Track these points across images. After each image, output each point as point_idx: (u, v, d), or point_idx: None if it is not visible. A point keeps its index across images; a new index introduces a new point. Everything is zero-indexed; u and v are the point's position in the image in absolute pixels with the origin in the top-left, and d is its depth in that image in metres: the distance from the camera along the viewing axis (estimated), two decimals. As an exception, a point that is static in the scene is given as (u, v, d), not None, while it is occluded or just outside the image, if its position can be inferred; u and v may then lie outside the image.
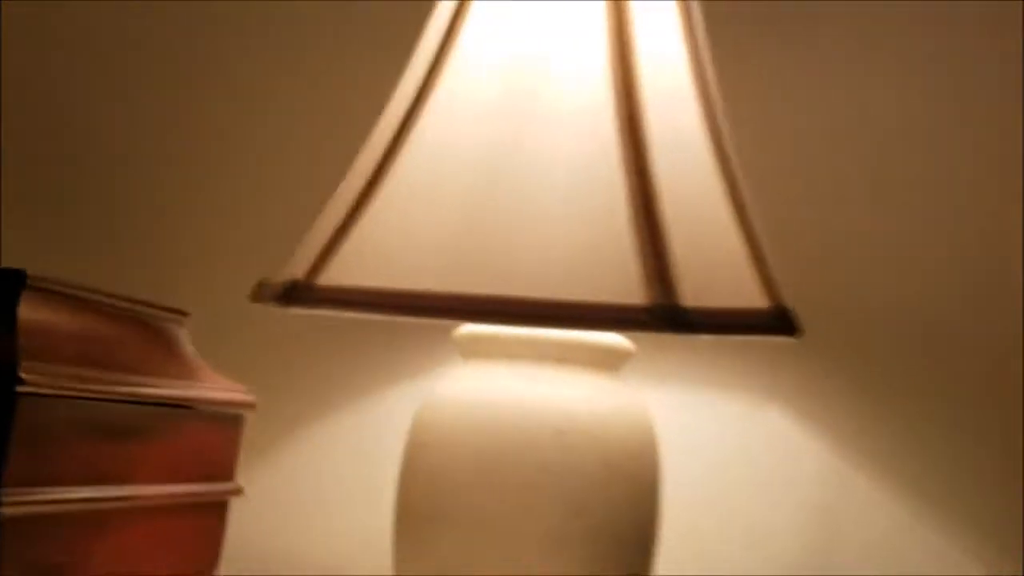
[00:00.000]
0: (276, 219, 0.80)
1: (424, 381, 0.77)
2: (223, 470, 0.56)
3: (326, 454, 0.79)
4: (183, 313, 0.56)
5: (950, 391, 0.74)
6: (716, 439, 0.76)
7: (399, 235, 0.53)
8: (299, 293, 0.53)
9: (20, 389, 0.37)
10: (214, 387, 0.53)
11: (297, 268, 0.55)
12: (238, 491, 0.57)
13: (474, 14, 0.58)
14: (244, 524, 0.75)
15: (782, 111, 0.78)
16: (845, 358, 0.76)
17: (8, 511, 0.38)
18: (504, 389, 0.55)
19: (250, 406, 0.56)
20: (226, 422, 0.55)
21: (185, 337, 0.55)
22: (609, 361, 0.59)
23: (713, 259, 0.48)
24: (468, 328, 0.59)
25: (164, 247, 0.84)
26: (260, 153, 0.84)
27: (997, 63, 0.77)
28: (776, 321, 0.48)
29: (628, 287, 0.46)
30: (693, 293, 0.46)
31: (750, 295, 0.49)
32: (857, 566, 0.73)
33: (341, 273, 0.53)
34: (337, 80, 0.83)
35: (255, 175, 0.83)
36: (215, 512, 0.55)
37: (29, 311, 0.41)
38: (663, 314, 0.46)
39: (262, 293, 0.57)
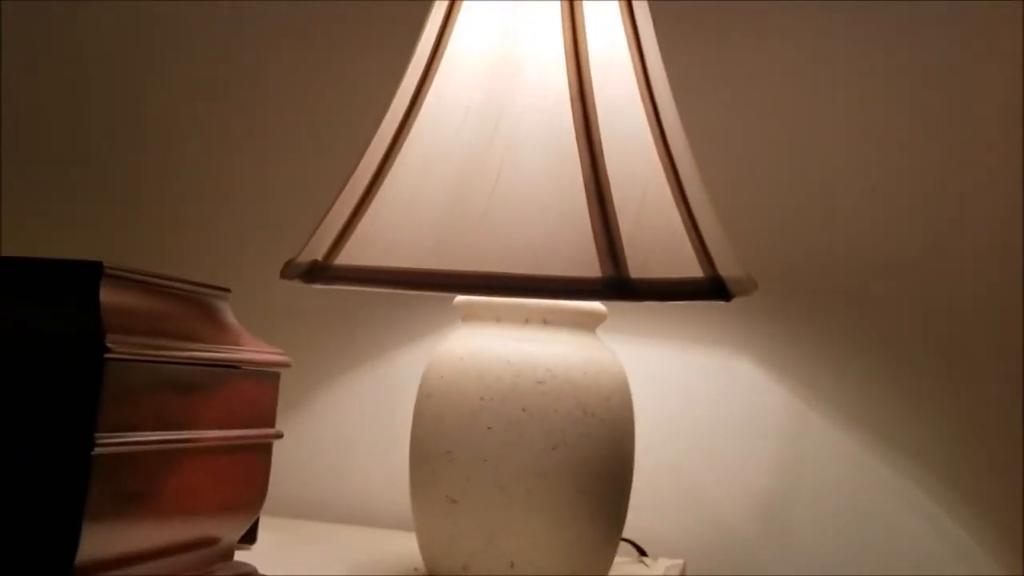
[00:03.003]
0: (299, 204, 0.87)
1: (431, 341, 0.86)
2: (266, 418, 0.66)
3: (351, 405, 0.90)
4: (226, 290, 0.66)
5: (895, 339, 0.82)
6: (692, 386, 0.85)
7: (401, 220, 0.63)
8: (320, 272, 0.63)
9: (107, 356, 0.48)
10: (255, 350, 0.64)
11: (317, 250, 0.65)
12: (279, 435, 0.68)
13: (459, 21, 0.67)
14: (285, 464, 0.86)
15: (754, 89, 0.86)
16: (805, 312, 0.84)
17: (99, 450, 0.49)
18: (494, 348, 0.65)
19: (285, 365, 0.67)
20: (266, 378, 0.66)
21: (228, 309, 0.66)
22: (586, 322, 0.68)
23: (656, 236, 0.58)
24: (465, 296, 0.70)
25: (206, 231, 0.95)
26: (283, 146, 0.94)
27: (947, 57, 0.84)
28: (710, 288, 0.58)
29: (586, 262, 0.56)
30: (639, 266, 0.56)
31: (688, 266, 0.58)
32: (818, 490, 0.82)
33: (354, 254, 0.63)
34: (353, 78, 0.92)
35: (282, 165, 0.94)
36: (261, 452, 0.66)
37: (108, 295, 0.52)
38: (614, 284, 0.55)
39: (289, 271, 0.67)
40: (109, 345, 0.48)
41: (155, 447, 0.53)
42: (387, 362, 0.89)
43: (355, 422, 0.89)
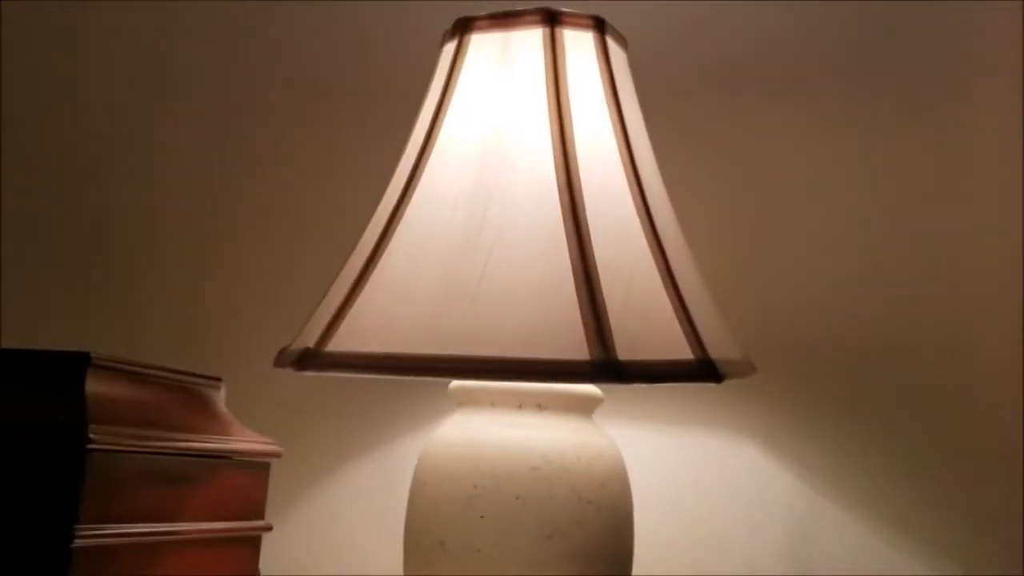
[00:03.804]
0: (295, 291, 0.86)
1: (427, 429, 0.85)
2: (254, 510, 0.65)
3: (345, 495, 0.88)
4: (218, 379, 0.66)
5: (896, 420, 0.81)
6: (693, 469, 0.83)
7: (392, 306, 0.63)
8: (311, 359, 0.62)
9: (90, 447, 0.48)
10: (245, 440, 0.63)
11: (309, 337, 0.65)
12: (268, 528, 0.67)
13: (450, 111, 0.68)
14: (275, 559, 0.84)
15: (744, 170, 0.87)
16: (806, 394, 0.83)
17: (81, 543, 0.48)
18: (487, 433, 0.64)
19: (276, 455, 0.67)
20: (256, 469, 0.65)
21: (220, 399, 0.65)
22: (581, 406, 0.67)
23: (644, 319, 0.58)
24: (459, 382, 0.69)
25: (199, 319, 0.94)
26: (278, 234, 0.95)
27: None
28: (700, 370, 0.58)
29: (575, 345, 0.56)
30: (627, 348, 0.56)
31: (678, 348, 0.58)
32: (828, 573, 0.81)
33: (345, 340, 0.63)
34: (348, 166, 0.93)
35: (275, 254, 0.94)
36: (249, 546, 0.65)
37: (94, 385, 0.52)
38: (603, 367, 0.55)
39: (282, 359, 0.67)
40: (92, 436, 0.47)
41: (138, 539, 0.52)
42: (382, 450, 0.88)
43: (349, 513, 0.87)
